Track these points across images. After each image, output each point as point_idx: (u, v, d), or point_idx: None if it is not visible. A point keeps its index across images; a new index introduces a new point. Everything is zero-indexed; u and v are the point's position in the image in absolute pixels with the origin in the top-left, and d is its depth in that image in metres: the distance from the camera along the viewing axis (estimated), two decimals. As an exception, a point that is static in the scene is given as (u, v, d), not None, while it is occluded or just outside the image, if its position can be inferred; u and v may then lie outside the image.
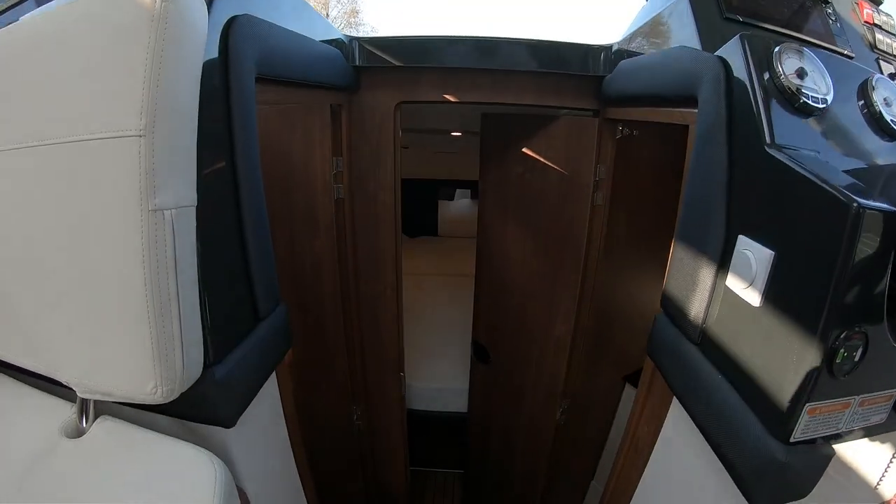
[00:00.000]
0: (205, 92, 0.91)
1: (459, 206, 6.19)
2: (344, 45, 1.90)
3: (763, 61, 1.12)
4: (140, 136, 0.78)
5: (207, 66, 0.97)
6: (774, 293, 0.96)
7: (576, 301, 2.25)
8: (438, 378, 3.48)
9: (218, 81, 1.02)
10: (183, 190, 0.83)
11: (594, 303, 2.29)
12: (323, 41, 1.70)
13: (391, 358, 2.56)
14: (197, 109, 0.87)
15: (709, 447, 1.13)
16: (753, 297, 1.01)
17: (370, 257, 2.33)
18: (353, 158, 2.14)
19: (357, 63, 1.95)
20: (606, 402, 2.94)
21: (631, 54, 1.83)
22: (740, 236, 1.06)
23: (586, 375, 2.52)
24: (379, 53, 1.95)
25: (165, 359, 0.84)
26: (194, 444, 1.02)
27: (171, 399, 0.90)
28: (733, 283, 1.06)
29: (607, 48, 1.93)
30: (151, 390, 0.87)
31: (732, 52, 1.17)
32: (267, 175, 2.22)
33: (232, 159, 1.05)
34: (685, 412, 1.22)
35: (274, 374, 1.36)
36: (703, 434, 1.15)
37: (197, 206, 0.88)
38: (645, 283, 2.77)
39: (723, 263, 1.11)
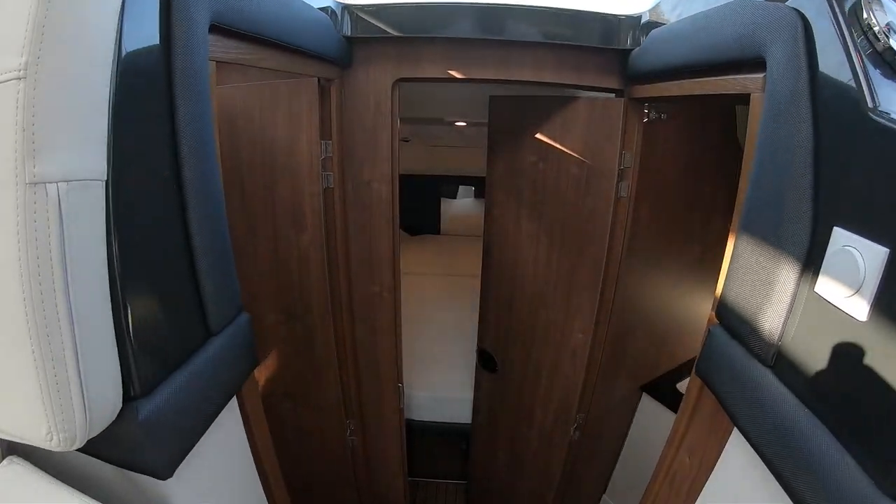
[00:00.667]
0: (133, 31, 0.68)
1: (463, 203, 5.95)
2: (334, 14, 1.66)
3: (850, 13, 0.88)
4: (20, 79, 0.54)
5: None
6: (889, 304, 0.72)
7: (595, 305, 2.00)
8: (440, 387, 3.24)
9: (154, 19, 0.77)
10: (79, 156, 0.58)
11: (616, 306, 2.05)
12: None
13: (388, 368, 2.32)
14: (112, 48, 0.63)
15: (785, 495, 0.89)
16: (858, 309, 0.76)
17: (364, 255, 2.09)
18: (345, 142, 1.90)
19: (349, 33, 1.70)
20: (621, 413, 2.73)
21: (662, 25, 1.59)
22: (836, 228, 0.81)
23: (602, 386, 2.28)
24: (374, 22, 1.70)
25: (57, 396, 0.60)
26: (122, 497, 0.78)
27: (77, 447, 0.66)
28: (828, 289, 0.81)
29: (635, 18, 1.69)
30: (47, 436, 0.63)
31: (808, 1, 0.93)
32: (247, 162, 1.99)
33: (172, 123, 0.80)
34: (749, 448, 0.98)
35: (234, 400, 1.11)
36: (777, 479, 0.90)
37: (111, 182, 0.65)
38: (668, 283, 2.53)
39: (809, 264, 0.86)
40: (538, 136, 2.07)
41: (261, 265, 2.05)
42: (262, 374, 2.36)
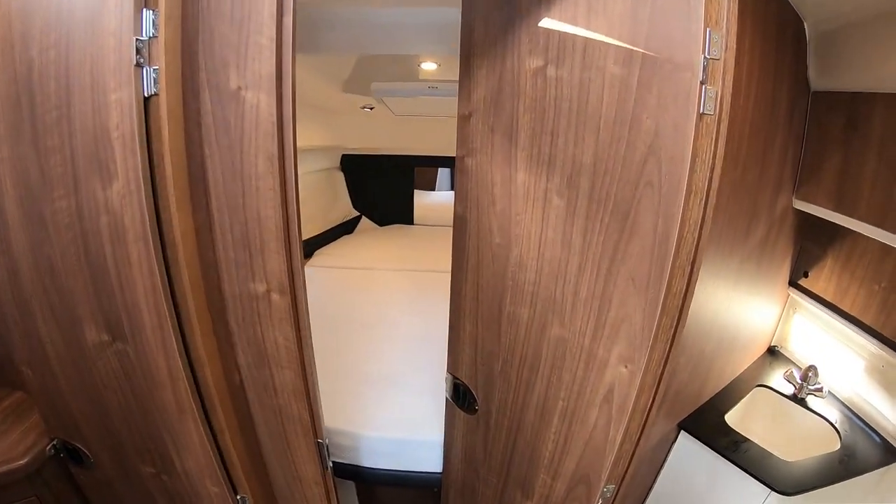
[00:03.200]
0: None
1: (443, 188, 5.00)
2: None
3: None
4: None
5: None
6: None
7: (655, 318, 1.11)
8: (402, 424, 2.32)
9: None
10: None
11: (681, 321, 1.16)
12: None
13: (295, 415, 1.43)
14: None
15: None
16: None
17: (236, 227, 1.20)
18: (189, 14, 1.02)
19: None
20: (655, 459, 1.97)
21: None
22: None
23: (643, 440, 1.40)
24: None
25: None
26: None
27: None
28: None
29: None
30: None
31: None
32: (38, 61, 1.04)
33: None
34: None
35: None
36: None
37: None
38: (728, 279, 1.69)
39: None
40: (546, 19, 1.18)
41: (61, 242, 1.16)
42: (91, 427, 1.47)
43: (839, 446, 1.89)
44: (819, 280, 2.16)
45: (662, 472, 2.04)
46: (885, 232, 1.71)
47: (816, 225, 2.04)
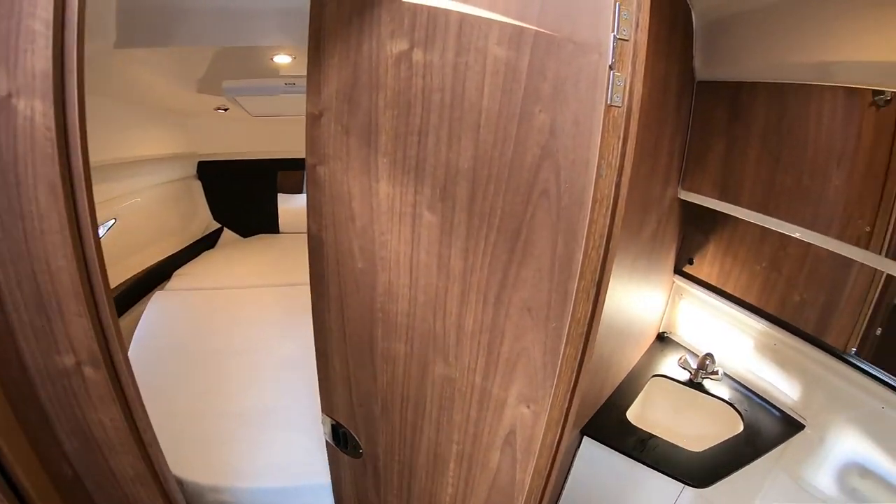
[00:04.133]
0: None
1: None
2: None
3: None
4: None
5: None
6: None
7: (557, 351, 0.91)
8: (283, 470, 2.01)
9: None
10: None
11: (590, 342, 0.98)
12: None
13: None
14: None
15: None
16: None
17: (23, 282, 0.89)
18: None
19: None
20: (563, 467, 1.85)
21: None
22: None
23: (549, 470, 1.23)
24: None
25: None
26: None
27: None
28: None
29: None
30: None
31: None
32: None
33: None
34: None
35: None
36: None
37: None
38: (623, 275, 1.60)
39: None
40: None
41: None
42: None
43: (742, 427, 1.89)
44: (703, 266, 2.16)
45: (568, 483, 1.92)
46: (769, 218, 1.71)
47: (699, 212, 2.03)
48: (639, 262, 1.76)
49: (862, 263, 1.72)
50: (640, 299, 1.99)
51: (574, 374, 0.95)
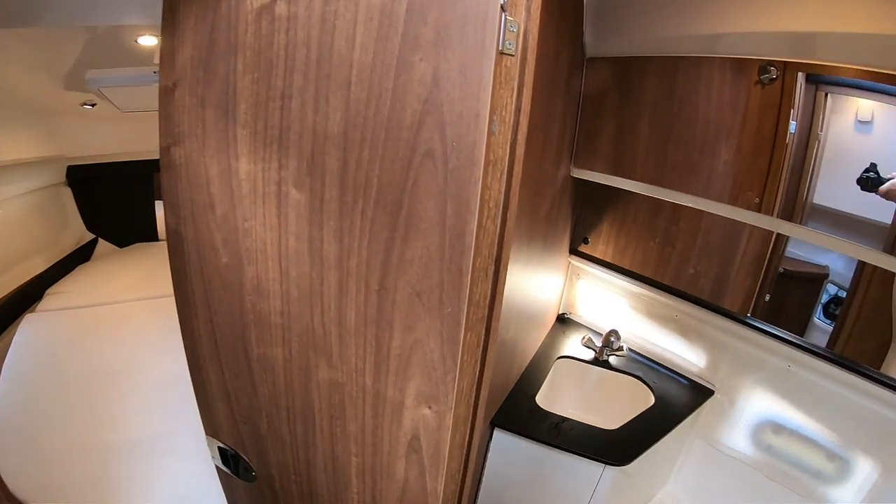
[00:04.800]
0: None
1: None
2: None
3: None
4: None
5: None
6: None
7: (456, 340, 0.78)
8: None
9: None
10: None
11: (493, 330, 0.86)
12: None
13: None
14: None
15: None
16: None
17: None
18: None
19: None
20: (477, 465, 1.77)
21: None
22: None
23: (464, 472, 1.11)
24: None
25: None
26: None
27: None
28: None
29: None
30: None
31: None
32: None
33: None
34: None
35: None
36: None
37: None
38: (520, 258, 1.53)
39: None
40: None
41: None
42: None
43: (654, 400, 1.87)
44: (598, 244, 2.15)
45: (484, 479, 1.82)
46: (662, 189, 1.70)
47: (592, 191, 2.00)
48: (535, 243, 1.68)
49: (749, 235, 1.80)
50: (539, 281, 1.92)
51: (478, 365, 0.82)
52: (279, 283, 0.90)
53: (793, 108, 1.55)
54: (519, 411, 1.79)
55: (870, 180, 1.50)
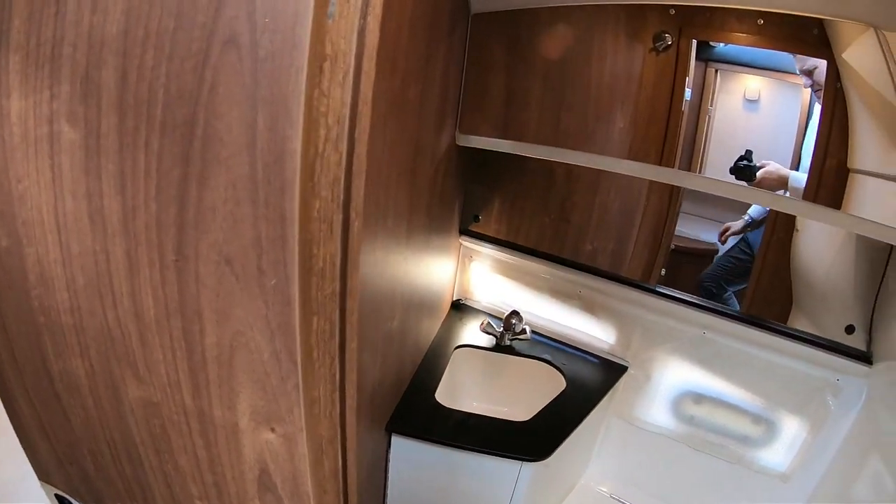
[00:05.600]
0: None
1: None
2: None
3: None
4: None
5: None
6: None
7: (290, 326, 0.53)
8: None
9: None
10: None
11: (351, 309, 0.62)
12: None
13: None
14: None
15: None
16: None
17: None
18: None
19: None
20: (374, 482, 1.51)
21: None
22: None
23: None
24: None
25: None
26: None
27: None
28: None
29: None
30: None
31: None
32: None
33: None
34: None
35: None
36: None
37: None
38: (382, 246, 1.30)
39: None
40: None
41: None
42: None
43: (566, 383, 1.70)
44: (490, 223, 1.95)
45: (389, 495, 1.56)
46: (559, 149, 1.57)
47: (481, 165, 1.84)
48: (418, 217, 1.44)
49: (645, 209, 1.77)
50: (427, 263, 1.68)
51: (336, 363, 0.58)
52: (62, 267, 0.62)
53: (688, 75, 1.51)
54: (418, 413, 1.54)
55: (745, 169, 1.52)
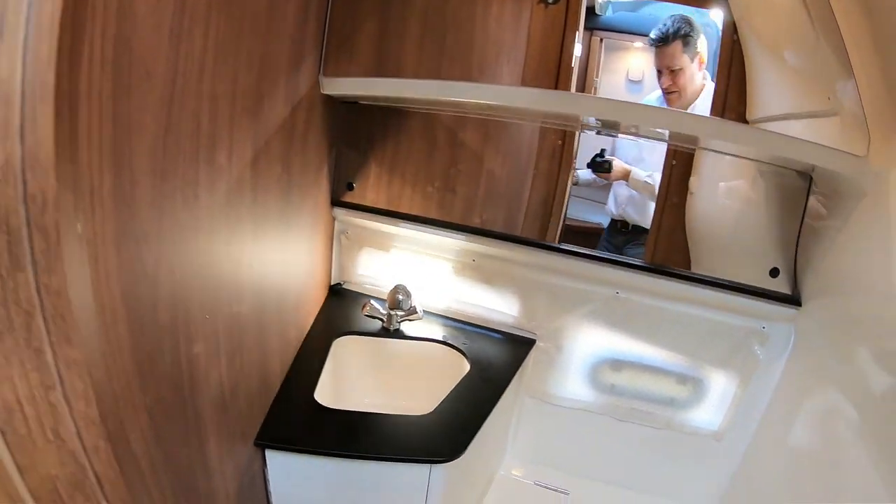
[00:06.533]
0: None
1: None
2: None
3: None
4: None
5: None
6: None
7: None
8: None
9: None
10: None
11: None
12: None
13: None
14: None
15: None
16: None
17: None
18: None
19: None
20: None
21: None
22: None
23: None
24: None
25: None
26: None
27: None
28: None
29: None
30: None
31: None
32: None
33: None
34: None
35: None
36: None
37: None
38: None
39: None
40: None
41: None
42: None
43: (468, 365, 1.52)
44: (367, 191, 1.71)
45: (271, 491, 1.26)
46: (447, 83, 1.39)
47: (352, 124, 1.61)
48: (267, 169, 1.17)
49: (534, 179, 1.65)
50: (285, 235, 1.40)
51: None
52: None
53: (577, 30, 1.45)
54: (294, 419, 1.27)
55: (602, 163, 1.68)
